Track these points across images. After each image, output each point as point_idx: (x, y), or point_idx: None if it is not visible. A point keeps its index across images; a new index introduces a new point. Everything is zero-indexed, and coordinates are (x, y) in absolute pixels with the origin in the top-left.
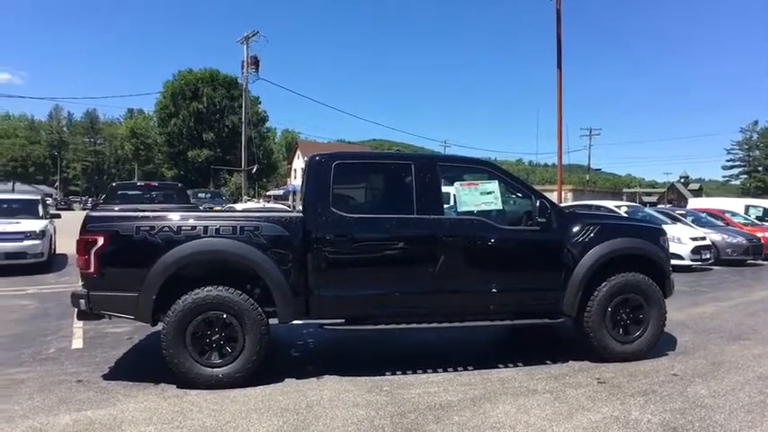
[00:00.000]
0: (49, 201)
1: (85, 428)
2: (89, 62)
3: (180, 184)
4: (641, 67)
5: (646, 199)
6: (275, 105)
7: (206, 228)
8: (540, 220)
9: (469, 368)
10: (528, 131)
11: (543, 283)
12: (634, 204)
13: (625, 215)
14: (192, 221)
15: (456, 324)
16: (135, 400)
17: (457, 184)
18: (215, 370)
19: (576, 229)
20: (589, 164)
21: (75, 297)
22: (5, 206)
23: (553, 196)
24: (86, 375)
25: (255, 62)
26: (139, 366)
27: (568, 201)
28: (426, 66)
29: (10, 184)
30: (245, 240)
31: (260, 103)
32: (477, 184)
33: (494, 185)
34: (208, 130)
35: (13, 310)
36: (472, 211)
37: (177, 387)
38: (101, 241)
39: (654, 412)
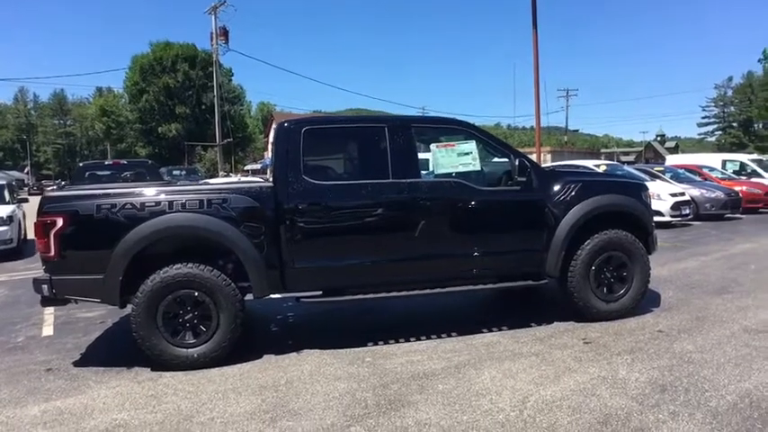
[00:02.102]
0: (24, 186)
1: (54, 419)
2: (51, 42)
3: (150, 161)
4: (617, 25)
5: (623, 158)
6: (251, 78)
7: (171, 203)
8: (519, 179)
9: (453, 334)
10: (505, 95)
11: (525, 244)
12: (613, 163)
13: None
14: (155, 197)
15: (438, 290)
16: (107, 386)
17: (433, 145)
18: (189, 350)
19: (557, 187)
20: (567, 125)
21: (37, 282)
22: None
23: (533, 158)
24: (56, 363)
25: (225, 33)
26: (112, 351)
27: (548, 162)
28: (407, 31)
29: None
30: (213, 214)
31: (232, 75)
32: (453, 146)
33: (471, 146)
34: (181, 104)
35: None
36: (450, 174)
37: (151, 370)
38: (60, 222)
39: (641, 370)
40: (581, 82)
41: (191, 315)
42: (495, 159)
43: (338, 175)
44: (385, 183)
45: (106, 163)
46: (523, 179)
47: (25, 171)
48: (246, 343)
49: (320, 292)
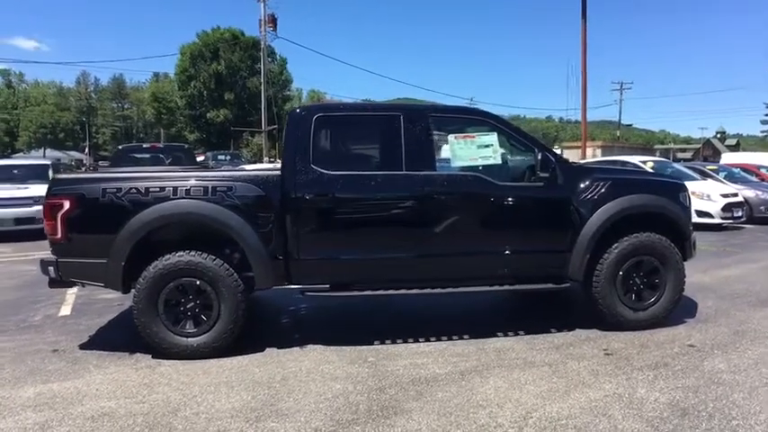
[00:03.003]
0: (82, 165)
1: (45, 402)
2: (112, 28)
3: (187, 146)
4: (676, 17)
5: (680, 155)
6: (301, 65)
7: (175, 189)
8: (542, 175)
9: (465, 337)
10: (558, 88)
11: (547, 244)
12: (661, 159)
13: (649, 170)
14: (160, 182)
15: (450, 290)
16: (105, 371)
17: (451, 137)
18: (189, 339)
19: (584, 184)
20: (620, 119)
21: (44, 264)
22: (16, 172)
23: (584, 152)
24: (64, 344)
25: (273, 20)
26: (120, 334)
27: (597, 157)
28: (455, 21)
29: (41, 152)
30: (218, 201)
31: (286, 63)
32: (473, 137)
33: (492, 138)
34: (228, 90)
35: (13, 276)
36: (469, 167)
37: (152, 357)
38: (67, 205)
39: (663, 389)
40: (637, 76)
41: (192, 304)
42: (520, 152)
43: (349, 165)
44: (397, 175)
45: (144, 146)
46: (546, 175)
47: (85, 152)
48: (252, 334)
49: (326, 286)
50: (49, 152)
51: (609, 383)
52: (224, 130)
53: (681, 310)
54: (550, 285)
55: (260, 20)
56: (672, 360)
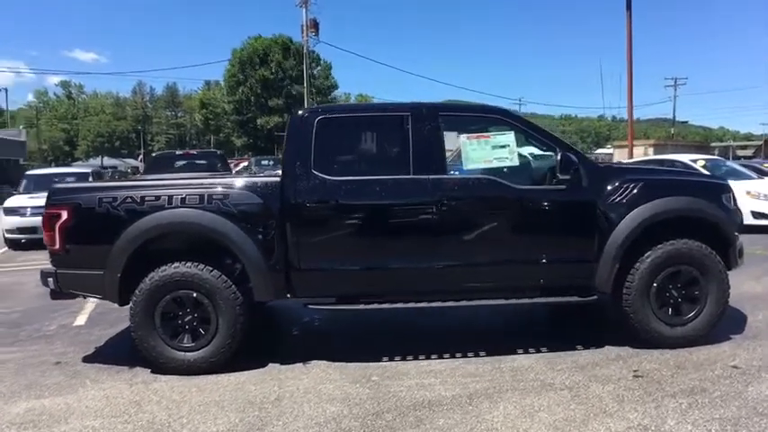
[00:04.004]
0: (138, 172)
1: (32, 420)
2: (166, 39)
3: (220, 152)
4: (731, 5)
5: (740, 153)
6: (350, 70)
7: (170, 198)
8: (562, 177)
9: (482, 354)
10: (608, 85)
11: (570, 253)
12: (714, 157)
13: (700, 169)
14: (155, 191)
15: (465, 303)
16: (101, 386)
17: (463, 137)
18: (187, 354)
19: (611, 187)
20: (674, 116)
21: (44, 276)
22: (57, 180)
23: (633, 151)
24: (69, 356)
25: (315, 25)
26: (126, 346)
27: (649, 155)
28: (502, 22)
29: (98, 160)
30: (214, 210)
31: (331, 69)
32: (488, 137)
33: (509, 137)
34: (275, 96)
35: (39, 284)
36: (487, 169)
37: (151, 372)
38: (64, 215)
39: (696, 421)
40: (691, 71)
41: (190, 317)
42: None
43: (352, 170)
44: (404, 179)
45: (177, 153)
46: (567, 177)
47: (139, 159)
48: (258, 347)
49: (331, 300)
50: (106, 160)
51: (634, 412)
52: (271, 135)
53: (727, 325)
54: (576, 298)
55: (302, 25)
56: (711, 384)
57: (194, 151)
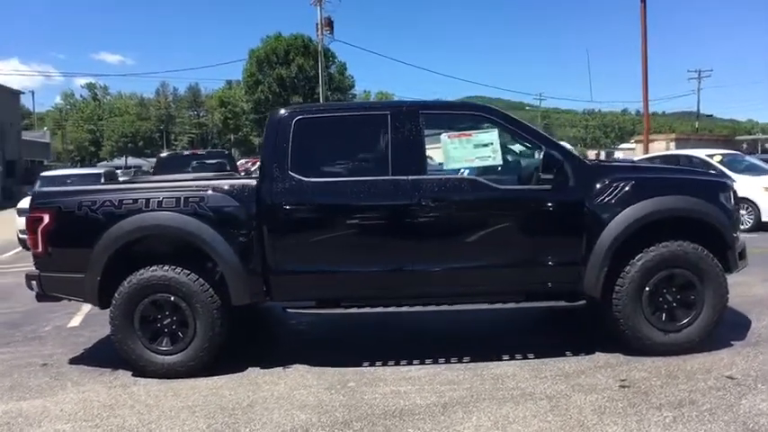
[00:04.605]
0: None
1: (7, 423)
2: (187, 40)
3: (227, 151)
4: None
5: None
6: (371, 69)
7: (147, 201)
8: (545, 176)
9: (465, 360)
10: (632, 79)
11: (556, 255)
12: (732, 152)
13: (717, 165)
14: (133, 194)
15: (444, 308)
16: (80, 389)
17: (444, 135)
18: (165, 357)
19: (600, 186)
20: (698, 109)
21: (28, 278)
22: (69, 182)
23: (654, 146)
24: (57, 358)
25: (329, 23)
26: (112, 349)
27: (671, 150)
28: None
29: (122, 159)
30: (190, 213)
31: (346, 68)
32: (470, 135)
33: (492, 135)
34: (294, 94)
35: None
36: (469, 169)
37: (132, 375)
38: (46, 219)
39: None
40: (716, 63)
41: (169, 320)
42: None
43: (330, 172)
44: (382, 180)
45: (185, 153)
46: (549, 176)
47: None
48: (240, 351)
49: (311, 303)
50: (130, 160)
51: (614, 426)
52: None
53: (728, 330)
54: (563, 303)
55: (316, 23)
56: (701, 396)
57: (201, 151)
